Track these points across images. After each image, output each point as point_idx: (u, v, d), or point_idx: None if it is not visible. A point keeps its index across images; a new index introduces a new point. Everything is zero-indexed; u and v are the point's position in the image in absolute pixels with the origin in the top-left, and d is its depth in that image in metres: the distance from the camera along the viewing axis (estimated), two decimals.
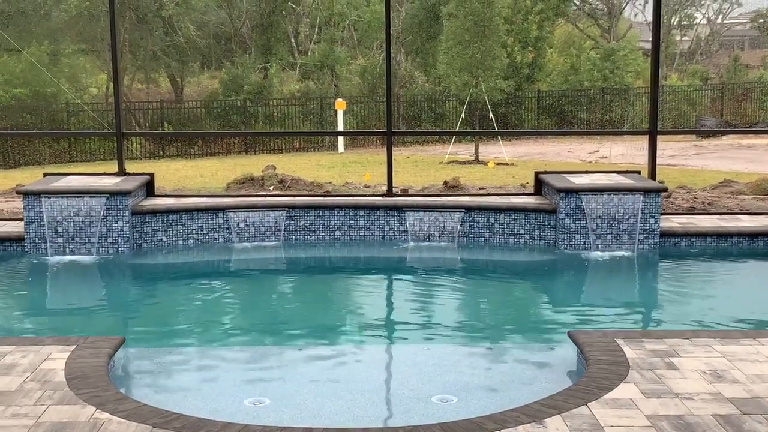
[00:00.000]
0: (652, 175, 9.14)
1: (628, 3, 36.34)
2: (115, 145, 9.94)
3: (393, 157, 9.56)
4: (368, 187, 12.58)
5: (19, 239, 8.19)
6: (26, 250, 8.12)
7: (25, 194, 8.10)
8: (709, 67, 35.31)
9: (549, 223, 8.46)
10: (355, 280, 7.94)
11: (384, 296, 7.55)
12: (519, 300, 7.28)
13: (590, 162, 19.08)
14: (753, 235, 8.30)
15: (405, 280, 7.90)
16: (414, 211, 8.72)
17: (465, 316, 6.75)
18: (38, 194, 8.11)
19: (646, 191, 8.19)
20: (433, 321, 6.45)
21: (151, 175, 9.20)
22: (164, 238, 8.49)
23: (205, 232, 8.62)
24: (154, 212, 8.47)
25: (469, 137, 23.70)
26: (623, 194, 8.19)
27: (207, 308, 6.82)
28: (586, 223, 8.23)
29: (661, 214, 8.43)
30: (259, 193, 11.05)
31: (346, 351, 5.67)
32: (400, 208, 8.76)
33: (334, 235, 8.76)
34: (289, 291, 7.66)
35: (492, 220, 8.60)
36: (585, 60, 28.47)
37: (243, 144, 23.84)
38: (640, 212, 8.16)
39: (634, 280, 7.83)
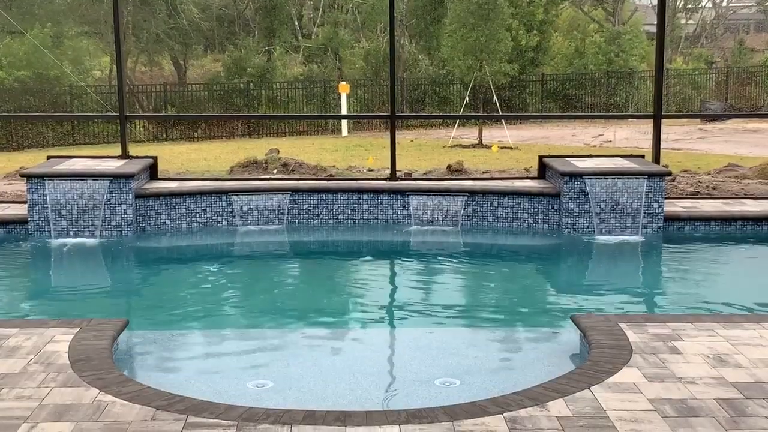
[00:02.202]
0: (657, 159, 9.11)
1: None
2: (119, 127, 9.93)
3: (396, 141, 9.54)
4: (372, 170, 12.55)
5: (22, 222, 8.17)
6: (30, 233, 8.11)
7: (29, 177, 8.09)
8: (714, 50, 35.14)
9: (553, 207, 8.45)
10: (358, 264, 7.94)
11: (387, 280, 7.57)
12: (522, 284, 7.27)
13: (594, 146, 19.02)
14: (757, 220, 8.27)
15: (408, 263, 7.93)
16: (417, 194, 8.72)
17: (468, 300, 6.77)
18: (42, 177, 8.09)
19: (650, 175, 8.18)
20: (437, 304, 6.46)
21: (155, 158, 9.19)
22: (167, 222, 8.49)
23: (208, 215, 8.61)
24: (157, 195, 8.46)
25: (472, 121, 23.63)
26: (627, 178, 8.17)
27: (210, 291, 6.83)
28: (590, 207, 8.22)
29: (665, 198, 8.43)
30: (262, 177, 11.02)
31: (350, 334, 5.69)
32: (403, 192, 8.76)
33: (337, 218, 8.76)
34: (292, 274, 7.67)
35: (495, 204, 8.60)
36: (590, 43, 28.33)
37: (246, 127, 23.79)
38: (644, 196, 8.14)
39: (638, 265, 7.81)
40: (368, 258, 8.14)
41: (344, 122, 23.52)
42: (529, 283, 7.34)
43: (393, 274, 7.73)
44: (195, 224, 8.59)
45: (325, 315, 6.14)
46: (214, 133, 23.49)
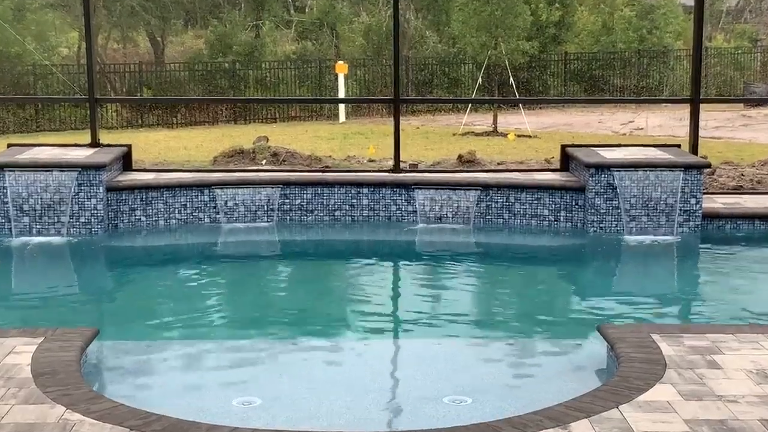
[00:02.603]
0: (694, 149, 9.11)
1: None
2: (88, 112, 9.93)
3: (401, 128, 9.56)
4: (373, 161, 12.57)
5: None
6: None
7: None
8: (760, 27, 35.08)
9: (577, 203, 8.47)
10: (357, 267, 7.96)
11: (390, 285, 7.61)
12: (542, 290, 7.30)
13: (624, 134, 19.01)
14: None
15: (413, 266, 7.98)
16: (424, 188, 8.74)
17: (481, 308, 6.80)
18: (1, 168, 8.09)
19: (686, 167, 8.19)
20: (445, 313, 6.47)
21: (129, 146, 9.20)
22: (143, 218, 8.52)
23: (189, 211, 8.65)
24: (131, 188, 8.48)
25: (486, 105, 23.62)
26: (661, 170, 8.19)
27: (191, 297, 6.86)
28: (619, 203, 8.24)
29: (704, 194, 8.41)
30: (249, 168, 11.03)
31: (348, 346, 5.72)
32: (408, 186, 8.79)
33: (333, 215, 8.78)
34: (284, 278, 7.71)
35: (512, 199, 8.62)
36: (619, 18, 28.29)
37: (232, 112, 23.81)
38: (679, 191, 8.16)
39: (672, 268, 7.86)
40: (368, 260, 8.15)
41: (342, 107, 23.52)
42: (549, 289, 7.36)
43: (396, 279, 7.77)
44: (174, 221, 8.61)
45: (320, 324, 6.15)
46: (196, 119, 23.51)
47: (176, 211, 8.63)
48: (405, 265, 8.03)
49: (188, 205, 8.65)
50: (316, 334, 5.90)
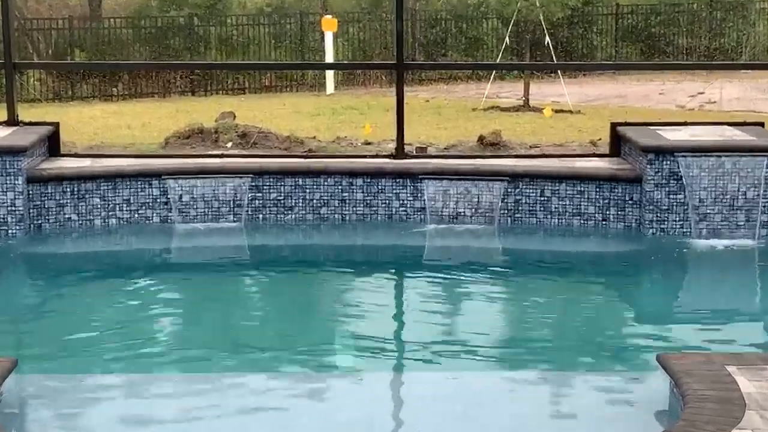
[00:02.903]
0: None
1: None
2: (4, 81, 9.91)
3: (405, 101, 9.54)
4: (369, 144, 12.50)
5: None
6: None
7: None
8: None
9: (631, 198, 8.47)
10: (349, 280, 7.93)
11: (391, 303, 7.58)
12: (586, 309, 7.27)
13: (692, 109, 18.93)
14: None
15: (421, 279, 7.93)
16: (435, 179, 8.72)
17: (509, 333, 6.77)
18: None
19: None
20: (463, 339, 6.45)
21: (56, 125, 9.20)
22: (74, 216, 8.50)
23: (132, 207, 8.63)
24: (60, 179, 8.47)
25: (515, 73, 23.54)
26: (740, 156, 8.18)
27: (134, 318, 6.83)
28: (686, 197, 8.25)
29: None
30: (211, 153, 10.96)
31: (336, 381, 5.71)
32: (415, 176, 8.77)
33: (319, 213, 8.77)
34: (255, 295, 7.70)
35: (548, 192, 8.60)
36: None
37: (188, 81, 23.74)
38: (763, 182, 8.16)
39: (753, 282, 7.84)
40: (364, 271, 8.14)
41: (330, 74, 23.46)
42: (595, 308, 7.32)
43: (399, 295, 7.76)
44: (114, 221, 8.60)
45: (302, 353, 6.11)
46: (142, 90, 23.44)
47: (117, 208, 8.59)
48: (411, 277, 8.03)
49: (132, 201, 8.63)
50: (296, 367, 5.87)
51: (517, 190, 8.66)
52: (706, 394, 4.39)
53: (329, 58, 23.20)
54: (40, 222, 8.39)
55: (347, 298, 7.58)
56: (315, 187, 8.77)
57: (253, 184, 8.72)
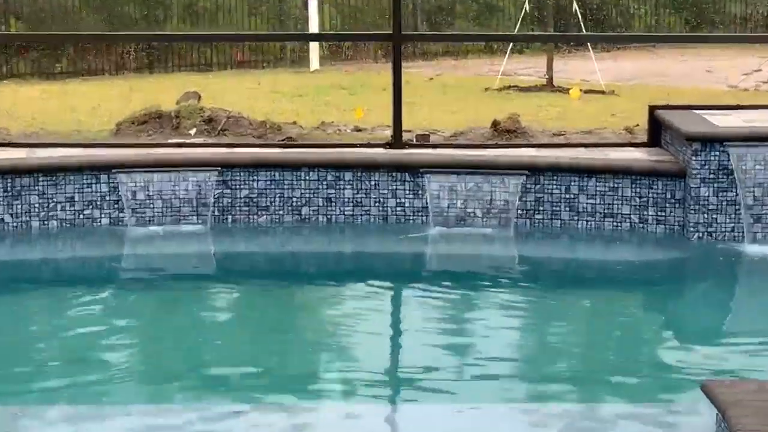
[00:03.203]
0: None
1: None
2: None
3: (405, 80, 9.54)
4: (361, 131, 12.49)
5: None
6: None
7: None
8: None
9: (673, 196, 8.50)
10: (335, 295, 7.94)
11: (387, 323, 7.55)
12: (620, 329, 7.26)
13: (746, 90, 18.93)
14: None
15: (423, 294, 7.86)
16: (440, 173, 8.75)
17: (528, 358, 6.73)
18: None
19: None
20: (473, 366, 6.44)
21: None
22: (7, 218, 8.50)
23: (77, 207, 8.64)
24: None
25: (537, 46, 23.55)
26: None
27: (80, 340, 6.77)
28: (738, 195, 8.26)
29: None
30: (171, 141, 10.94)
31: (321, 415, 5.68)
32: (415, 169, 8.80)
33: (299, 213, 8.79)
34: (222, 312, 7.67)
35: (575, 189, 8.64)
36: None
37: (145, 56, 23.75)
38: None
39: None
40: (354, 285, 8.14)
41: (314, 48, 23.45)
42: (631, 328, 7.29)
43: (397, 314, 7.75)
44: (55, 222, 8.60)
45: (280, 382, 6.10)
46: (90, 66, 23.38)
47: (59, 208, 8.58)
48: (410, 292, 8.00)
49: (77, 199, 8.62)
50: (273, 397, 5.83)
51: (538, 186, 8.68)
52: (759, 429, 4.39)
53: (313, 28, 23.19)
54: None
55: (334, 317, 7.51)
56: (295, 182, 8.79)
57: (221, 178, 8.76)
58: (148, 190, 8.70)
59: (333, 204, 8.81)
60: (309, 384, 6.17)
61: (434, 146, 9.74)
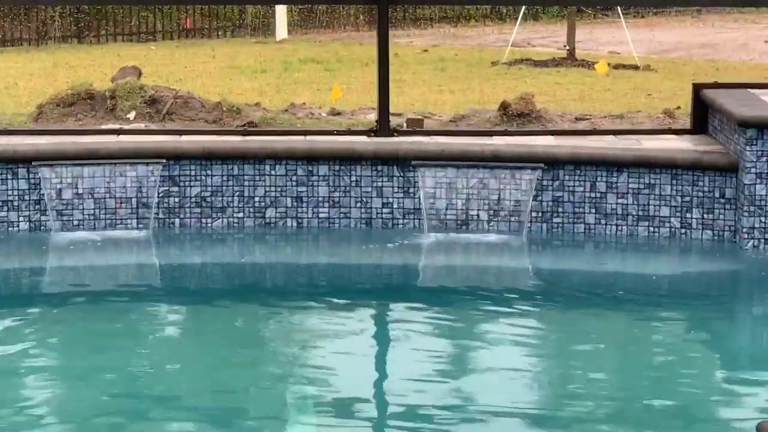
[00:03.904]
0: None
1: None
2: None
3: (393, 52, 9.36)
4: (339, 114, 12.41)
5: None
6: None
7: None
8: None
9: (722, 195, 8.49)
10: (307, 317, 7.87)
11: (370, 351, 7.45)
12: (658, 358, 7.20)
13: None
14: None
15: (414, 316, 7.80)
16: (437, 166, 8.73)
17: (544, 393, 6.63)
18: None
19: None
20: (476, 404, 6.35)
21: None
22: None
23: None
24: None
25: (555, 10, 23.58)
26: None
27: None
28: None
29: None
30: (105, 127, 10.90)
31: None
32: (406, 161, 8.79)
33: (263, 216, 8.82)
34: (168, 336, 7.60)
35: (602, 186, 8.63)
36: None
37: (73, 21, 23.71)
38: None
39: None
40: (330, 304, 8.01)
41: (280, 12, 23.41)
42: (671, 356, 7.23)
43: (383, 339, 7.62)
44: None
45: (242, 420, 6.10)
46: (5, 35, 23.41)
47: None
48: (398, 313, 7.93)
49: None
50: None
51: (557, 182, 8.68)
52: None
53: None
54: None
55: (305, 341, 7.43)
56: (258, 177, 8.80)
57: (167, 173, 8.78)
58: (76, 188, 8.75)
59: (304, 204, 8.84)
60: (273, 422, 6.19)
61: (429, 133, 9.74)
